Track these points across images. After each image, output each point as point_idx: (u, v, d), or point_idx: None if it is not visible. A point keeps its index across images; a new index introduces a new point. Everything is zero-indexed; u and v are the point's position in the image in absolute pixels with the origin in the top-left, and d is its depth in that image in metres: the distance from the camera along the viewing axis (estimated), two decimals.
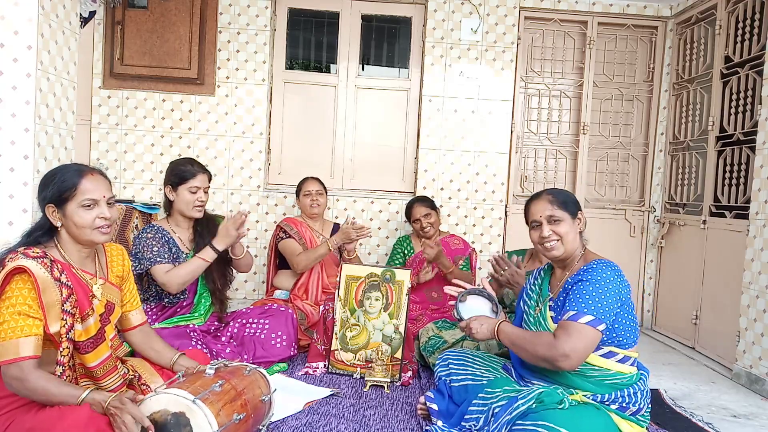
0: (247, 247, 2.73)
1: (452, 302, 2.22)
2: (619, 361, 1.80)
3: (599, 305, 1.72)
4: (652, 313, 4.18)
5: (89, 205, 1.65)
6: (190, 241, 2.60)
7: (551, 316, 1.89)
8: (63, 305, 1.59)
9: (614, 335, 1.78)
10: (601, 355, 1.80)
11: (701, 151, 3.72)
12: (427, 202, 3.47)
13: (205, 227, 2.60)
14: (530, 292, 2.06)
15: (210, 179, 2.62)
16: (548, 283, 2.02)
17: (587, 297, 1.73)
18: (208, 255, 2.45)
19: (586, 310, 1.71)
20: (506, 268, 2.51)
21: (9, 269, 1.53)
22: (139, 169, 3.98)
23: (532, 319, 1.97)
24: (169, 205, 2.60)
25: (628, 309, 1.81)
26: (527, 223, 2.04)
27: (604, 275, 1.77)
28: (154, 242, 2.47)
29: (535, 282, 2.08)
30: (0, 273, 1.54)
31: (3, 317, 1.52)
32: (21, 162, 2.35)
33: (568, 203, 1.95)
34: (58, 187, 1.64)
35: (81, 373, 1.70)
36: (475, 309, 2.09)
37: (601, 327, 1.72)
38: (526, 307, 2.03)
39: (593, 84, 4.13)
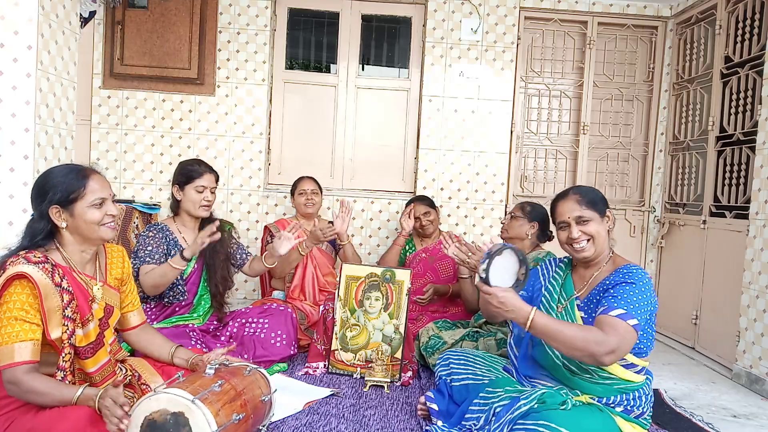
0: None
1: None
2: (637, 372, 1.80)
3: (642, 311, 1.70)
4: None
5: (99, 204, 1.68)
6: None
7: (581, 317, 1.84)
8: (64, 311, 1.59)
9: (638, 342, 1.75)
10: (622, 366, 1.77)
11: (701, 151, 3.72)
12: (427, 200, 3.49)
13: None
14: (550, 287, 1.97)
15: (217, 180, 2.64)
16: (570, 281, 1.96)
17: (634, 299, 1.70)
18: (176, 262, 2.37)
19: (633, 313, 1.68)
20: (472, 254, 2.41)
21: (9, 275, 1.53)
22: (139, 169, 3.98)
23: (553, 315, 1.88)
24: (176, 205, 2.61)
25: (653, 319, 1.79)
26: (554, 222, 1.97)
27: (646, 281, 1.75)
28: (151, 241, 2.48)
29: (555, 277, 1.99)
30: (0, 278, 1.53)
31: (1, 323, 1.52)
32: (21, 162, 2.35)
33: (597, 202, 1.88)
34: (67, 187, 1.65)
35: (80, 378, 1.71)
36: (501, 271, 1.72)
37: (638, 332, 1.70)
38: (545, 302, 1.95)
39: (593, 84, 4.13)
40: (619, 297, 1.71)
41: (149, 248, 2.46)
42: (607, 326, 1.66)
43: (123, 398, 1.46)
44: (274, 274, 3.25)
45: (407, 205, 3.53)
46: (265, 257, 2.71)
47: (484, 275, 1.70)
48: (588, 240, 1.85)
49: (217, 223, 2.46)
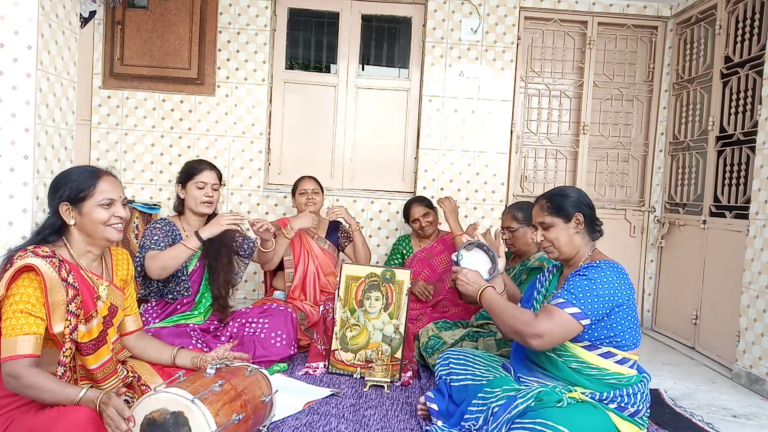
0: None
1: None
2: (617, 362, 1.80)
3: (588, 301, 1.74)
4: (652, 313, 4.18)
5: (107, 204, 1.71)
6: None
7: None
8: (68, 306, 1.60)
9: (611, 335, 1.78)
10: (599, 355, 1.80)
11: (701, 151, 3.72)
12: (425, 201, 3.50)
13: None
14: (540, 288, 2.06)
15: (220, 177, 2.66)
16: (557, 281, 2.03)
17: (579, 290, 1.76)
18: (192, 243, 2.41)
19: (574, 302, 1.74)
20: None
21: (18, 267, 1.55)
22: (139, 169, 3.98)
23: None
24: (180, 204, 2.64)
25: (628, 311, 1.80)
26: None
27: (603, 274, 1.78)
28: (157, 232, 2.51)
29: (546, 279, 2.08)
30: (9, 270, 1.56)
31: (6, 315, 1.53)
32: (21, 162, 2.35)
33: (562, 207, 1.92)
34: (78, 185, 1.69)
35: (81, 375, 1.71)
36: (474, 263, 2.08)
37: (585, 322, 1.74)
38: (535, 303, 2.04)
39: (593, 84, 4.13)
40: (565, 288, 1.79)
41: (155, 237, 2.49)
42: (543, 312, 1.77)
43: (128, 410, 1.48)
44: (264, 261, 3.21)
45: (408, 206, 3.52)
46: (261, 244, 2.79)
47: (455, 259, 2.09)
48: (550, 244, 1.94)
49: (241, 216, 2.52)
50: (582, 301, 1.74)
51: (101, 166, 1.80)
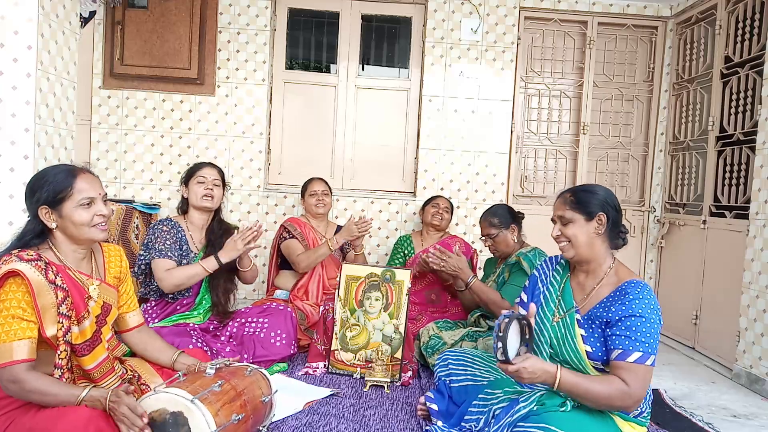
0: (255, 257, 2.74)
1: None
2: None
3: (655, 343, 1.66)
4: None
5: (88, 204, 1.66)
6: (201, 242, 2.65)
7: (581, 335, 1.75)
8: (59, 308, 1.58)
9: None
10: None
11: (701, 151, 3.72)
12: (449, 203, 3.58)
13: (219, 235, 2.63)
14: (547, 293, 1.89)
15: (222, 176, 2.70)
16: (567, 284, 1.87)
17: (648, 336, 1.64)
18: (210, 265, 2.48)
19: (650, 351, 1.63)
20: (446, 259, 2.61)
21: (2, 273, 1.52)
22: (139, 169, 3.98)
23: (548, 326, 1.82)
24: (184, 203, 2.69)
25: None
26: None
27: (653, 306, 1.67)
28: (167, 236, 2.53)
29: (552, 282, 1.91)
30: None
31: None
32: (21, 162, 2.36)
33: (586, 203, 1.79)
34: (54, 187, 1.63)
35: (79, 375, 1.71)
36: (512, 341, 1.61)
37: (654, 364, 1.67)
38: (541, 311, 1.86)
39: (593, 84, 4.13)
40: (633, 337, 1.63)
41: (168, 242, 2.50)
42: (628, 373, 1.62)
43: (140, 407, 1.48)
44: (298, 267, 3.20)
45: (434, 196, 3.59)
46: (238, 262, 2.63)
47: (503, 357, 1.58)
48: (567, 242, 1.81)
49: (258, 229, 2.52)
50: (654, 346, 1.64)
51: (77, 164, 1.74)
